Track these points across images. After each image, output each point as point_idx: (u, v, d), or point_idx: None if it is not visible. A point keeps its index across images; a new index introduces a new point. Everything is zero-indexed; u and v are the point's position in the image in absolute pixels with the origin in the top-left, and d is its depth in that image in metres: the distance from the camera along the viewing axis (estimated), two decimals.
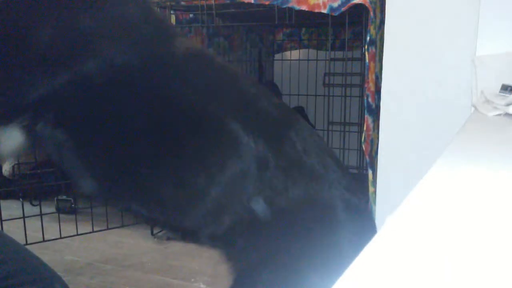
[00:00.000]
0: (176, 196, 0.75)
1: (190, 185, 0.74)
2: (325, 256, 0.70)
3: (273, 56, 2.90)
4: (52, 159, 0.80)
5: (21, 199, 1.86)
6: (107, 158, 0.75)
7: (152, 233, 2.00)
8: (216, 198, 0.73)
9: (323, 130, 2.14)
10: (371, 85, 1.44)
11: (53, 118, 0.71)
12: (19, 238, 1.10)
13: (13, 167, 2.09)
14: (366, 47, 1.43)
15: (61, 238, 1.89)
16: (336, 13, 1.43)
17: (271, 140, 0.74)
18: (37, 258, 0.92)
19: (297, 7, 1.47)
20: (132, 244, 1.94)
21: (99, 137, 0.74)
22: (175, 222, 0.80)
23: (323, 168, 0.75)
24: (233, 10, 1.81)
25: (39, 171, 1.97)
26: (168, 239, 1.97)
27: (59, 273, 0.94)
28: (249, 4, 1.57)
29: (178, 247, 1.91)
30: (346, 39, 1.94)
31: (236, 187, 0.73)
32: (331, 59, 1.83)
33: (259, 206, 0.72)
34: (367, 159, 1.46)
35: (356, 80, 1.96)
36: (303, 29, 2.66)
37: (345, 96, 1.76)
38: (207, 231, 0.77)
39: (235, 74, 0.83)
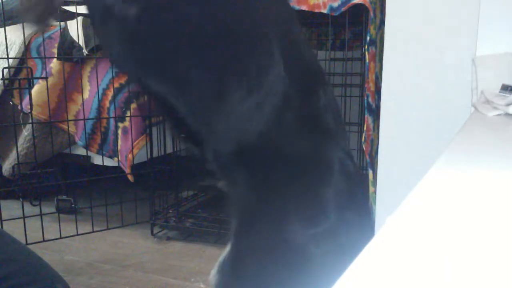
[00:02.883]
0: (208, 98, 0.76)
1: (224, 92, 0.75)
2: (310, 209, 0.75)
3: None
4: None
5: (21, 199, 1.87)
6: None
7: (152, 233, 2.00)
8: (238, 113, 0.75)
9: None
10: (371, 85, 1.44)
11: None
12: (19, 238, 1.10)
13: (13, 167, 2.09)
14: (366, 47, 1.43)
15: (61, 238, 1.89)
16: (336, 13, 1.43)
17: (303, 86, 0.78)
18: (39, 258, 0.93)
19: (297, 7, 1.47)
20: (132, 244, 1.94)
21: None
22: (191, 121, 0.80)
23: (335, 129, 0.80)
24: None
25: (39, 171, 1.97)
26: (168, 239, 1.97)
27: (59, 273, 0.95)
28: None
29: (178, 247, 1.91)
30: (346, 39, 1.94)
31: (259, 112, 0.74)
32: (331, 59, 1.83)
33: (271, 143, 0.75)
34: (367, 159, 1.46)
35: (356, 80, 1.96)
36: (303, 29, 2.65)
37: (345, 96, 1.75)
38: (215, 145, 0.78)
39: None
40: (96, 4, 0.75)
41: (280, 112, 0.74)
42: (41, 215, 1.84)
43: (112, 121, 1.98)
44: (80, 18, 1.97)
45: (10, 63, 1.93)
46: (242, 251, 0.76)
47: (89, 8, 0.77)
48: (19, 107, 2.04)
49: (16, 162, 1.98)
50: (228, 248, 0.77)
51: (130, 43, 0.76)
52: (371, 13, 1.38)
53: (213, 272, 0.78)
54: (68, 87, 2.00)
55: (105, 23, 0.75)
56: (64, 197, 2.21)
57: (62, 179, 2.16)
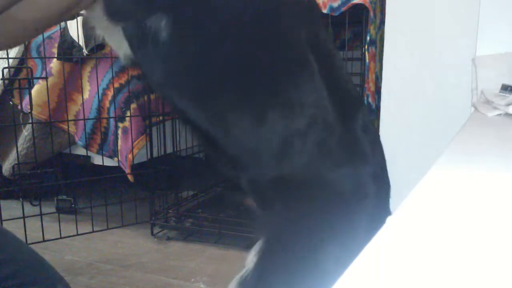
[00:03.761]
0: (244, 124, 0.76)
1: (258, 117, 0.75)
2: (344, 236, 0.74)
3: None
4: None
5: (21, 199, 1.87)
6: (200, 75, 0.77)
7: (152, 233, 2.00)
8: (274, 139, 0.74)
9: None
10: (371, 85, 1.44)
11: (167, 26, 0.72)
12: (19, 238, 1.10)
13: (13, 167, 2.09)
14: (366, 47, 1.43)
15: (61, 238, 1.89)
16: (336, 13, 1.43)
17: (344, 111, 0.77)
18: (40, 258, 0.93)
19: None
20: (132, 244, 1.94)
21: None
22: (231, 150, 0.79)
23: (372, 154, 0.79)
24: None
25: (39, 171, 1.97)
26: (168, 239, 1.97)
27: (60, 274, 0.95)
28: None
29: (178, 247, 1.91)
30: (346, 39, 1.94)
31: (300, 139, 0.74)
32: None
33: (308, 170, 0.74)
34: None
35: (356, 80, 1.96)
36: None
37: None
38: (250, 173, 0.78)
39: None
40: (135, 27, 0.75)
41: (321, 139, 0.74)
42: (41, 215, 1.84)
43: (112, 121, 1.98)
44: (80, 18, 1.98)
45: (10, 63, 1.93)
46: (269, 271, 0.75)
47: (125, 31, 0.77)
48: (19, 107, 2.04)
49: (16, 162, 1.98)
50: (251, 265, 0.77)
51: (165, 67, 0.76)
52: (371, 13, 1.38)
53: (233, 284, 0.77)
54: (68, 87, 2.00)
55: (143, 47, 0.76)
56: (64, 197, 2.21)
57: (62, 179, 2.16)
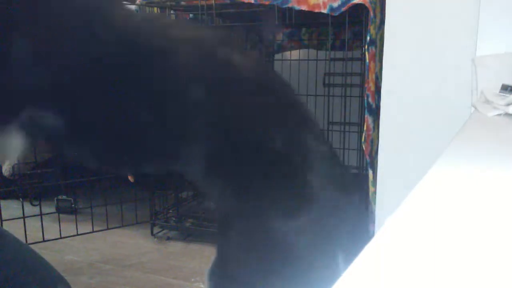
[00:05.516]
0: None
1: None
2: (289, 202, 0.74)
3: (273, 56, 2.90)
4: (54, 148, 0.85)
5: (21, 199, 1.87)
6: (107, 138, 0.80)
7: (152, 233, 2.00)
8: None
9: (323, 130, 2.13)
10: (371, 85, 1.44)
11: (53, 109, 0.74)
12: (19, 238, 1.10)
13: (13, 167, 2.09)
14: (366, 47, 1.43)
15: (61, 238, 1.89)
16: (336, 13, 1.43)
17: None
18: (41, 259, 0.93)
19: (297, 7, 1.47)
20: (132, 244, 1.94)
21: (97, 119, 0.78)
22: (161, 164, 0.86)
23: (304, 116, 0.81)
24: (233, 10, 1.81)
25: (39, 171, 1.97)
26: (168, 239, 1.97)
27: (60, 274, 0.94)
28: (249, 4, 1.57)
29: (178, 247, 1.91)
30: (346, 39, 1.94)
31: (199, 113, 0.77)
32: (331, 59, 1.83)
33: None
34: (367, 159, 1.46)
35: (356, 80, 1.96)
36: (303, 29, 2.65)
37: (345, 96, 1.75)
38: (187, 172, 0.82)
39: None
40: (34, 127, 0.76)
41: (240, 103, 0.76)
42: (41, 215, 1.84)
43: None
44: None
45: None
46: (227, 254, 0.76)
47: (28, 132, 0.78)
48: None
49: (16, 162, 1.98)
50: (215, 254, 0.78)
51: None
52: (371, 13, 1.38)
53: (205, 279, 0.78)
54: None
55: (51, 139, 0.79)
56: (64, 197, 2.21)
57: (62, 179, 2.16)
